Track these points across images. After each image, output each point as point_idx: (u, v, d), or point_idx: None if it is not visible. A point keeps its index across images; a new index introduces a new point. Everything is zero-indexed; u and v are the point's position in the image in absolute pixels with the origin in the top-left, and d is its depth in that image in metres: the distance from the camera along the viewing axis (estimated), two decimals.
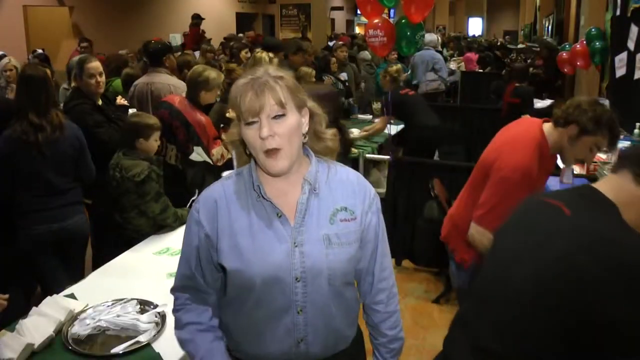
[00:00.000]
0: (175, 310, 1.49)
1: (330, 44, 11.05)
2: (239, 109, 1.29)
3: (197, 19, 10.69)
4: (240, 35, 11.11)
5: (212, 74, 3.52)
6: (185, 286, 1.46)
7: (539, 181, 2.22)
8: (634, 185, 1.24)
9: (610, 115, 2.09)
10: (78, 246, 3.02)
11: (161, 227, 2.86)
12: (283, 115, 1.29)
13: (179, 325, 1.47)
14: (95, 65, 3.39)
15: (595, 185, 1.29)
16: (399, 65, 5.81)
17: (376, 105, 6.74)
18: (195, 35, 10.45)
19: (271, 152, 1.28)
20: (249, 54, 6.37)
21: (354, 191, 1.42)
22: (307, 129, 1.37)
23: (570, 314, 1.15)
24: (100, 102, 3.48)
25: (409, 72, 7.34)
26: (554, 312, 1.17)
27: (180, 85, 4.06)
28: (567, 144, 2.12)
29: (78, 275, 2.79)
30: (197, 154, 3.41)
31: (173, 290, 1.50)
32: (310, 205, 1.36)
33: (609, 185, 1.27)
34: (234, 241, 1.35)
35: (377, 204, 1.45)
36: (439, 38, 9.85)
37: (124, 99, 4.36)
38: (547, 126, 2.20)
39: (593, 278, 1.12)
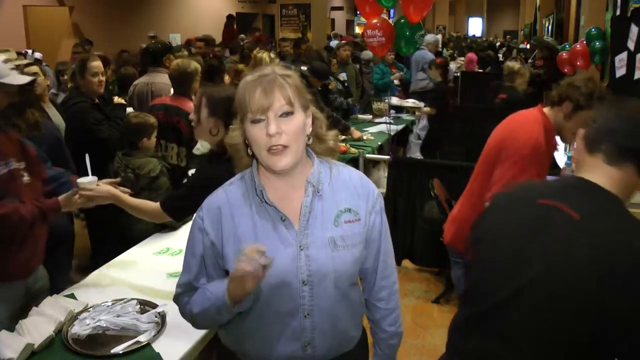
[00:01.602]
0: (182, 312, 1.47)
1: (331, 43, 11.06)
2: (247, 106, 1.28)
3: (230, 19, 11.50)
4: (243, 37, 11.14)
5: (196, 64, 3.68)
6: (187, 292, 1.44)
7: (547, 157, 2.29)
8: (635, 178, 1.25)
9: (602, 89, 2.21)
10: (63, 245, 3.00)
11: (163, 226, 2.86)
12: (291, 113, 1.28)
13: (190, 316, 1.44)
14: (98, 64, 3.47)
15: (591, 179, 1.25)
16: (514, 63, 5.77)
17: (376, 105, 6.74)
18: (230, 34, 10.78)
19: (276, 150, 1.27)
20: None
21: (357, 192, 1.41)
22: (310, 130, 1.36)
23: (589, 317, 1.12)
24: (96, 101, 3.52)
25: (405, 71, 7.34)
26: (571, 316, 1.14)
27: None
28: (564, 120, 2.22)
29: (65, 274, 2.78)
30: (200, 146, 3.42)
31: (175, 298, 1.48)
32: (314, 207, 1.35)
33: (611, 179, 1.24)
34: (238, 247, 1.33)
35: (381, 203, 1.45)
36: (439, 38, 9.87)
37: (121, 98, 4.37)
38: (546, 109, 2.31)
39: (622, 281, 1.10)
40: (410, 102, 5.97)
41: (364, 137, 5.18)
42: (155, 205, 2.10)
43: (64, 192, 2.27)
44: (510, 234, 1.28)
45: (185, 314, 1.46)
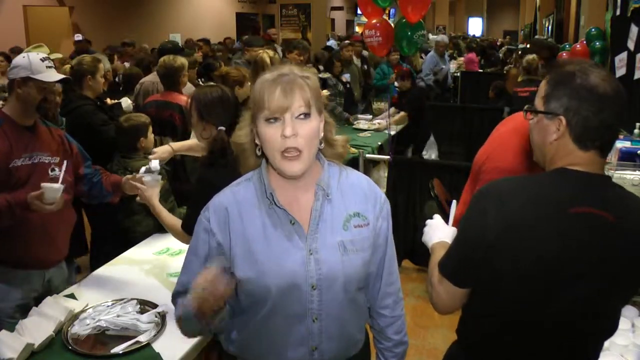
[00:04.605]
0: (175, 314, 1.42)
1: (328, 42, 11.04)
2: (264, 105, 1.24)
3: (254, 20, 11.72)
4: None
5: (182, 60, 3.80)
6: (183, 294, 1.38)
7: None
8: (599, 159, 1.27)
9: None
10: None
11: (163, 227, 2.85)
12: (308, 115, 1.26)
13: (178, 320, 1.39)
14: (107, 64, 3.46)
15: (592, 171, 1.25)
16: (534, 56, 5.67)
17: (376, 105, 6.72)
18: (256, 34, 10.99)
19: (289, 153, 1.24)
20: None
21: (365, 196, 1.39)
22: (322, 134, 1.34)
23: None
24: (98, 103, 3.54)
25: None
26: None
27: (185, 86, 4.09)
28: None
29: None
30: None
31: (174, 298, 1.45)
32: (323, 211, 1.34)
33: (602, 168, 1.28)
34: (247, 249, 1.31)
35: (387, 208, 1.43)
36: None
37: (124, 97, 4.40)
38: None
39: None
40: (376, 123, 5.86)
41: None
42: (180, 228, 2.09)
43: (96, 191, 2.39)
44: (549, 248, 1.22)
45: (176, 317, 1.40)
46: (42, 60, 2.16)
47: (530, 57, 5.56)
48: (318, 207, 1.33)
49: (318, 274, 1.31)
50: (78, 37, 8.71)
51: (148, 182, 2.25)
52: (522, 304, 1.28)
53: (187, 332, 1.43)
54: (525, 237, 1.23)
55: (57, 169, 2.23)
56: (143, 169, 2.38)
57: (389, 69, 6.92)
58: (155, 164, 2.36)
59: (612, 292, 1.25)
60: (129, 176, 2.32)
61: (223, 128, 1.96)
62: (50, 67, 2.18)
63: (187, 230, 2.01)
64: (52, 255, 2.29)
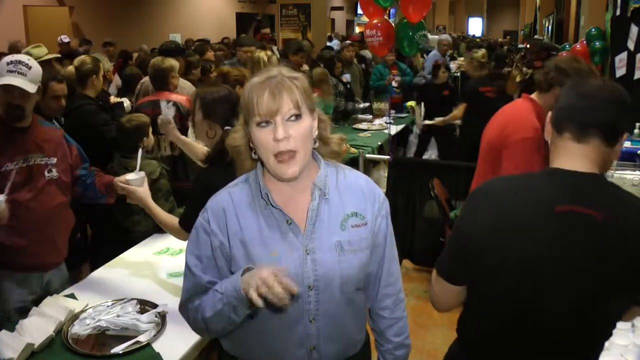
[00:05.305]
0: (193, 320, 1.39)
1: (329, 43, 11.03)
2: (254, 109, 1.24)
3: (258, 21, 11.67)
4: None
5: (171, 61, 3.82)
6: (195, 296, 1.37)
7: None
8: (605, 148, 1.26)
9: (589, 70, 2.13)
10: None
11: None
12: (299, 116, 1.25)
13: (203, 321, 1.35)
14: (105, 65, 3.49)
15: (573, 166, 1.25)
16: (484, 51, 5.71)
17: (377, 105, 6.71)
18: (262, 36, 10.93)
19: (283, 156, 1.24)
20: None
21: (363, 195, 1.38)
22: (316, 133, 1.34)
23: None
24: (100, 102, 3.56)
25: (408, 73, 7.26)
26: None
27: (186, 86, 4.09)
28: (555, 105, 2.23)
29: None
30: (192, 134, 3.45)
31: (182, 307, 1.42)
32: (320, 211, 1.33)
33: (587, 158, 1.25)
34: (246, 250, 1.31)
35: (386, 208, 1.42)
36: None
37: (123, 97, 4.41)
38: (534, 95, 2.27)
39: None
40: (377, 124, 5.89)
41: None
42: (177, 225, 2.08)
43: (90, 192, 2.36)
44: (537, 247, 1.23)
45: (197, 321, 1.37)
46: (8, 63, 2.05)
47: (481, 52, 5.61)
48: (315, 207, 1.32)
49: (315, 275, 1.30)
50: (65, 38, 8.47)
51: (133, 180, 2.21)
52: (517, 303, 1.29)
53: (214, 330, 1.37)
54: (514, 237, 1.24)
55: (54, 170, 2.20)
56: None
57: (386, 69, 6.89)
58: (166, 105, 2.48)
59: (605, 290, 1.24)
60: (120, 177, 2.28)
61: (229, 128, 1.95)
62: (11, 71, 2.04)
63: (185, 228, 2.00)
64: (50, 257, 2.28)
